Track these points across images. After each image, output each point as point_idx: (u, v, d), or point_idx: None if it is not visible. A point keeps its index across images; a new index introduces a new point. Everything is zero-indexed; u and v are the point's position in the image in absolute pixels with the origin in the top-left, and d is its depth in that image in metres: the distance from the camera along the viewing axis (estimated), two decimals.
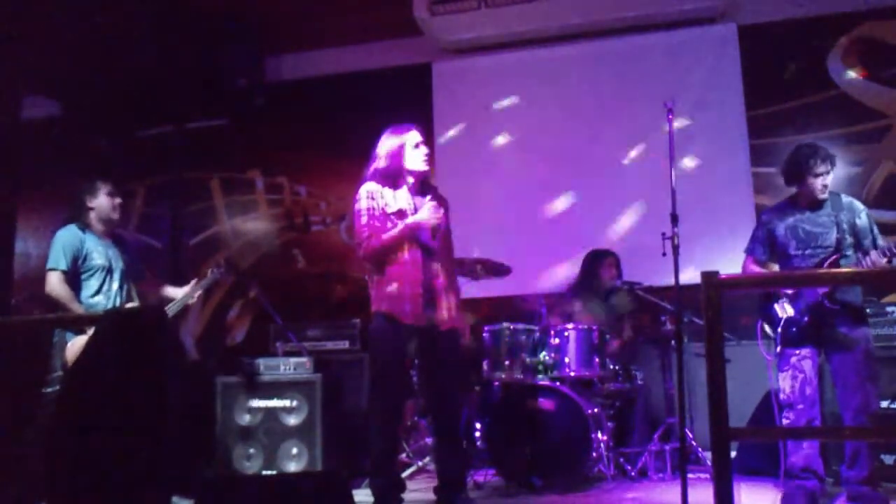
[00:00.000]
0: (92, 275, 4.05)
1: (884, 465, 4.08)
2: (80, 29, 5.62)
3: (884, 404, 4.18)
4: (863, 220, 3.74)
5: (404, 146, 3.69)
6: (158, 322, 2.59)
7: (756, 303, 3.93)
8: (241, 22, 6.46)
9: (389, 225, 3.61)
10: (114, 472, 2.21)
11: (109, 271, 4.11)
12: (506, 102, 6.44)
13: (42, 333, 4.15)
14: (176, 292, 4.27)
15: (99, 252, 4.09)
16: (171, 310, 4.19)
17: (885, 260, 3.54)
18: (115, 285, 4.12)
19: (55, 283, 3.95)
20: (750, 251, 3.97)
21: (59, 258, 3.98)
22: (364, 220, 3.61)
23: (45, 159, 6.52)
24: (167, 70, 6.35)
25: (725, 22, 6.08)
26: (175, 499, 3.35)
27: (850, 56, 5.87)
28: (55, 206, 6.93)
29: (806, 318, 3.68)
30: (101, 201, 4.18)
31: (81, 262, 4.03)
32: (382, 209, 3.62)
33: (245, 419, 4.53)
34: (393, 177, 3.68)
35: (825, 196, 3.76)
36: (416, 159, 3.69)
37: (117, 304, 4.08)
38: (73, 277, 4.01)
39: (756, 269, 3.93)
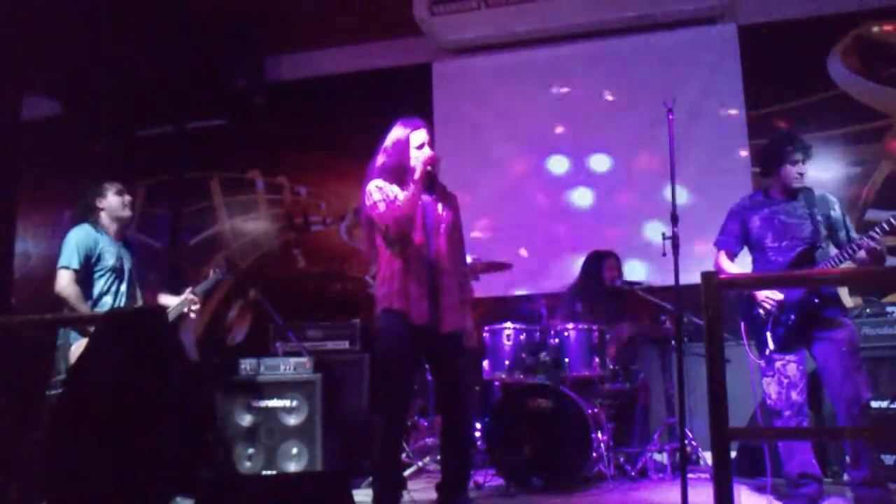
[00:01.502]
0: (102, 275, 4.03)
1: (883, 466, 4.07)
2: (81, 29, 5.62)
3: (883, 404, 4.17)
4: (836, 212, 3.72)
5: (408, 144, 3.64)
6: (159, 322, 2.59)
7: (738, 304, 3.86)
8: (241, 22, 6.46)
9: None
10: (114, 472, 2.21)
11: (119, 272, 4.09)
12: (506, 102, 6.43)
13: (44, 333, 4.14)
14: (171, 301, 4.21)
15: (111, 253, 4.07)
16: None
17: (880, 236, 3.45)
18: (123, 287, 4.10)
19: (66, 282, 3.91)
20: (723, 244, 3.90)
21: (72, 257, 3.93)
22: (382, 207, 3.53)
23: (45, 159, 6.53)
24: (167, 70, 6.35)
25: (725, 22, 6.08)
26: (175, 499, 3.35)
27: (850, 56, 5.87)
28: (55, 206, 6.95)
29: (792, 317, 3.64)
30: (111, 201, 4.16)
31: (94, 262, 4.01)
32: (395, 197, 3.56)
33: (245, 419, 4.53)
34: (397, 173, 3.62)
35: (801, 185, 3.73)
36: (417, 161, 3.61)
37: (123, 305, 4.07)
38: (84, 277, 3.98)
39: (730, 263, 3.87)
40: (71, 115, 7.00)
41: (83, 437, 2.25)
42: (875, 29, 5.84)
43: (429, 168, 3.57)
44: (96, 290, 4.02)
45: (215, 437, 4.53)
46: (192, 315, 4.21)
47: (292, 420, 4.48)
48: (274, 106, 6.82)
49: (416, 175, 3.54)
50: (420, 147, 3.65)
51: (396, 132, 3.68)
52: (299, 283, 6.72)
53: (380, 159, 3.68)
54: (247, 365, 4.63)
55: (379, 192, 3.58)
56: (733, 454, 4.48)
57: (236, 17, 6.40)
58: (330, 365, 4.81)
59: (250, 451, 4.48)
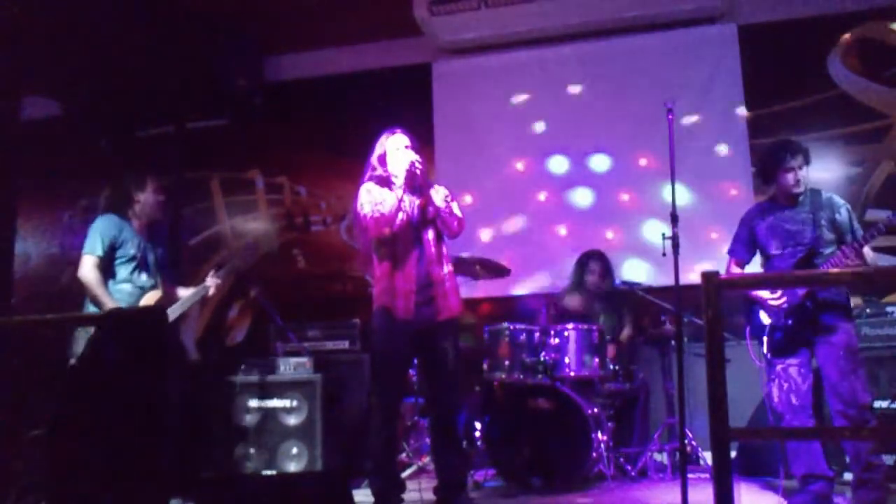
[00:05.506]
0: (123, 263, 4.11)
1: (883, 466, 4.06)
2: (81, 29, 5.62)
3: (884, 404, 4.17)
4: (843, 215, 3.68)
5: (386, 154, 3.76)
6: (158, 322, 2.59)
7: (741, 307, 3.88)
8: (241, 22, 6.46)
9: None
10: (114, 472, 2.21)
11: (140, 262, 4.16)
12: (506, 102, 6.43)
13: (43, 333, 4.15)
14: (185, 292, 4.31)
15: (134, 243, 4.15)
16: (177, 309, 4.20)
17: (854, 255, 3.47)
18: (144, 276, 4.16)
19: (88, 268, 4.00)
20: (732, 252, 3.94)
21: (95, 244, 4.04)
22: (367, 209, 3.64)
23: (45, 159, 6.52)
24: (167, 70, 6.35)
25: (725, 22, 6.08)
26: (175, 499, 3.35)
27: (850, 56, 5.87)
28: (55, 206, 6.95)
29: (790, 321, 3.64)
30: (148, 197, 4.25)
31: (117, 250, 4.10)
32: (382, 201, 3.64)
33: (245, 419, 4.53)
34: (385, 182, 3.73)
35: (800, 190, 3.71)
36: (396, 163, 3.70)
37: (142, 295, 4.11)
38: (107, 264, 4.07)
39: (739, 271, 3.90)
40: (71, 115, 7.00)
41: (83, 437, 2.25)
42: (875, 29, 5.83)
43: (412, 171, 3.64)
44: (118, 278, 4.10)
45: (215, 436, 4.53)
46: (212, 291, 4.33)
47: (292, 420, 4.49)
48: (274, 106, 6.81)
49: (399, 181, 3.64)
50: (397, 150, 3.75)
51: (378, 147, 3.81)
52: (299, 283, 6.72)
53: (368, 173, 3.80)
54: (247, 365, 4.64)
55: (367, 194, 3.70)
56: (733, 454, 4.47)
57: (235, 17, 6.39)
58: (330, 365, 4.81)
59: (250, 451, 4.48)
